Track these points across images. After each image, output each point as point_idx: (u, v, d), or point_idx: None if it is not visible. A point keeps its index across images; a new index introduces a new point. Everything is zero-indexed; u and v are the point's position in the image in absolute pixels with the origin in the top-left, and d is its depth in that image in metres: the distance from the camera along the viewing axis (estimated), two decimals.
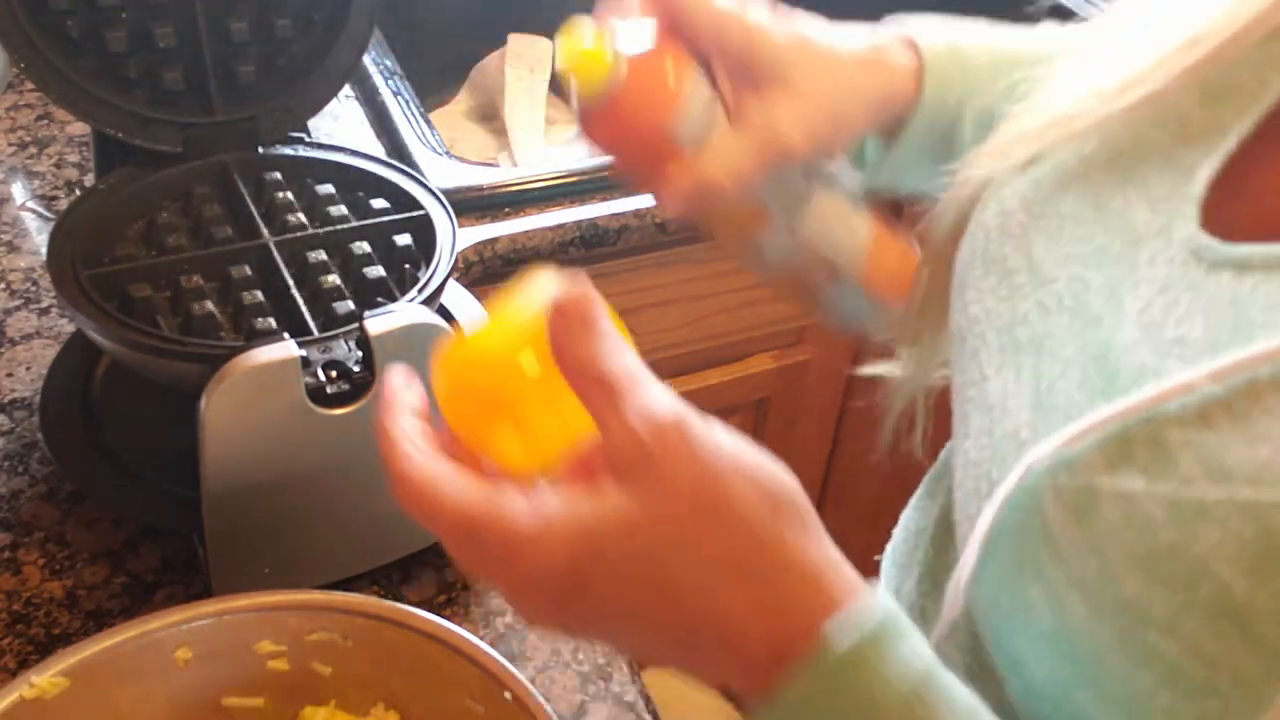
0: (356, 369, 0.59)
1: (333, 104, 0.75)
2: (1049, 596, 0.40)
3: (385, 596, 0.64)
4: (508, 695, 0.51)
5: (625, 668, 0.64)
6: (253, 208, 0.68)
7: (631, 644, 0.41)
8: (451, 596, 0.67)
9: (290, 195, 0.69)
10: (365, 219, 0.69)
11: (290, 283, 0.63)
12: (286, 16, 0.69)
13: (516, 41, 1.33)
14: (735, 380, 1.19)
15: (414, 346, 0.60)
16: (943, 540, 0.56)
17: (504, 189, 0.98)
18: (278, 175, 0.71)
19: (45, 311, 0.83)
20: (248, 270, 0.64)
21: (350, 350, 0.60)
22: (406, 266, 0.67)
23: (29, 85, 1.07)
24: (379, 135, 1.05)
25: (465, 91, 1.38)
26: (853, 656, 0.36)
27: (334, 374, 0.59)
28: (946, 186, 0.52)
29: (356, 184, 0.72)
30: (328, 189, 0.70)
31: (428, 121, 1.06)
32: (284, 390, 0.58)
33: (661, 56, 0.54)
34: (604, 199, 0.99)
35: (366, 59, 1.11)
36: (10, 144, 1.01)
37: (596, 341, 0.39)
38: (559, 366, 0.40)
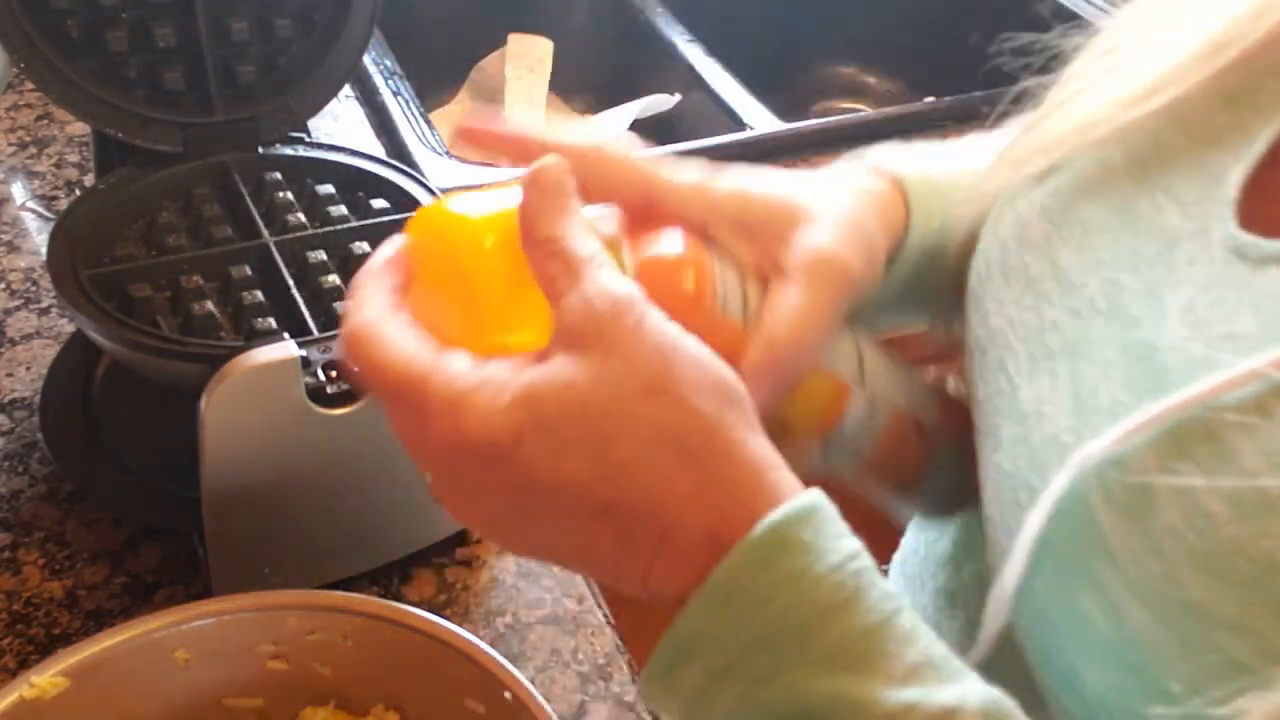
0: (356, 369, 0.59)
1: (333, 104, 0.75)
2: (1105, 605, 0.38)
3: (385, 596, 0.64)
4: (508, 695, 0.51)
5: (625, 668, 0.64)
6: (253, 208, 0.68)
7: (553, 530, 0.38)
8: (451, 596, 0.67)
9: (290, 195, 0.69)
10: (365, 219, 0.69)
11: (290, 283, 0.63)
12: (286, 17, 0.69)
13: (516, 41, 1.33)
14: None
15: None
16: (963, 557, 0.56)
17: (504, 189, 0.98)
18: (278, 175, 0.71)
19: (45, 311, 0.83)
20: (248, 270, 0.64)
21: None
22: None
23: (29, 85, 1.07)
24: (379, 135, 1.05)
25: (465, 91, 1.38)
26: (781, 533, 0.36)
27: (334, 374, 0.59)
28: (960, 203, 0.51)
29: (356, 184, 0.72)
30: (328, 189, 0.70)
31: (428, 121, 1.06)
32: (284, 390, 0.58)
33: (659, 261, 0.44)
34: None
35: (366, 59, 1.11)
36: (10, 144, 1.01)
37: (564, 220, 0.39)
38: (523, 237, 0.39)
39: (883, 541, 0.64)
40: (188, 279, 0.63)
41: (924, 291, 0.54)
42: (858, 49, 1.53)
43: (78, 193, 0.94)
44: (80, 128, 1.02)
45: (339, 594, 0.55)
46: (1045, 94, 0.51)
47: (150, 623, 0.52)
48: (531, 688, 0.51)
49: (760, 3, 1.49)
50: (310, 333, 0.60)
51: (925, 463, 0.52)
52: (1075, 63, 0.50)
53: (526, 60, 1.33)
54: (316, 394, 0.58)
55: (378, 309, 0.40)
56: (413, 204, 0.70)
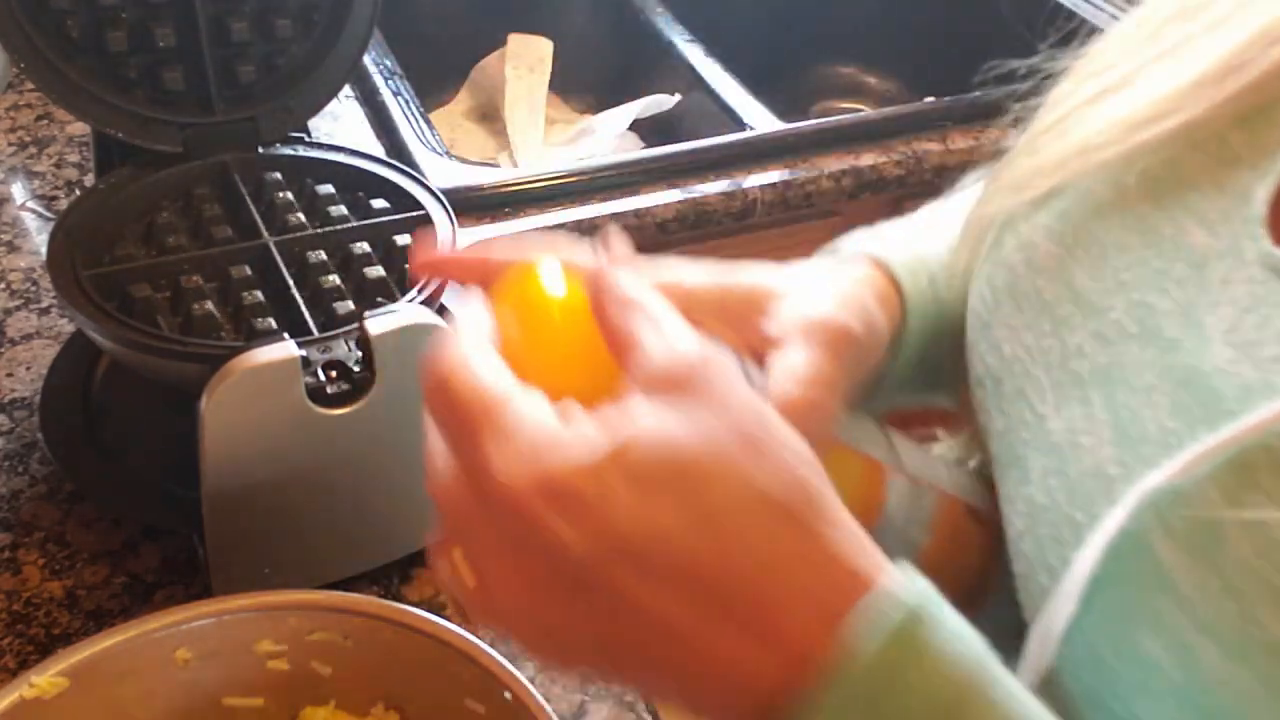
0: (356, 369, 0.59)
1: (333, 104, 0.75)
2: (1172, 647, 0.36)
3: (385, 596, 0.64)
4: (508, 695, 0.51)
5: None
6: (253, 208, 0.68)
7: (625, 607, 0.32)
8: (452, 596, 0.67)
9: (290, 195, 0.69)
10: (365, 219, 0.69)
11: (290, 283, 0.63)
12: (286, 17, 0.69)
13: (516, 41, 1.33)
14: None
15: (414, 346, 0.60)
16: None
17: (504, 189, 0.98)
18: (278, 175, 0.71)
19: (45, 311, 0.83)
20: (248, 270, 0.64)
21: (350, 350, 0.60)
22: (406, 266, 0.67)
23: (29, 85, 1.07)
24: (379, 135, 1.05)
25: (465, 91, 1.38)
26: (905, 635, 0.32)
27: (334, 374, 0.59)
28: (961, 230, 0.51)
29: (356, 184, 0.72)
30: (328, 189, 0.70)
31: (428, 121, 1.06)
32: (284, 390, 0.58)
33: None
34: (604, 199, 0.99)
35: (366, 59, 1.11)
36: (10, 144, 1.01)
37: (638, 278, 0.37)
38: (599, 291, 0.37)
39: None
40: (188, 279, 0.63)
41: (935, 367, 0.52)
42: (858, 49, 1.53)
43: (78, 193, 0.94)
44: (80, 128, 1.02)
45: (339, 594, 0.55)
46: (1033, 116, 0.50)
47: (150, 623, 0.52)
48: (531, 688, 0.51)
49: (760, 3, 1.49)
50: (310, 333, 0.60)
51: (993, 563, 0.47)
52: (1063, 84, 0.49)
53: (526, 60, 1.33)
54: (316, 394, 0.58)
55: (473, 340, 0.37)
56: (413, 204, 0.70)
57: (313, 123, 0.75)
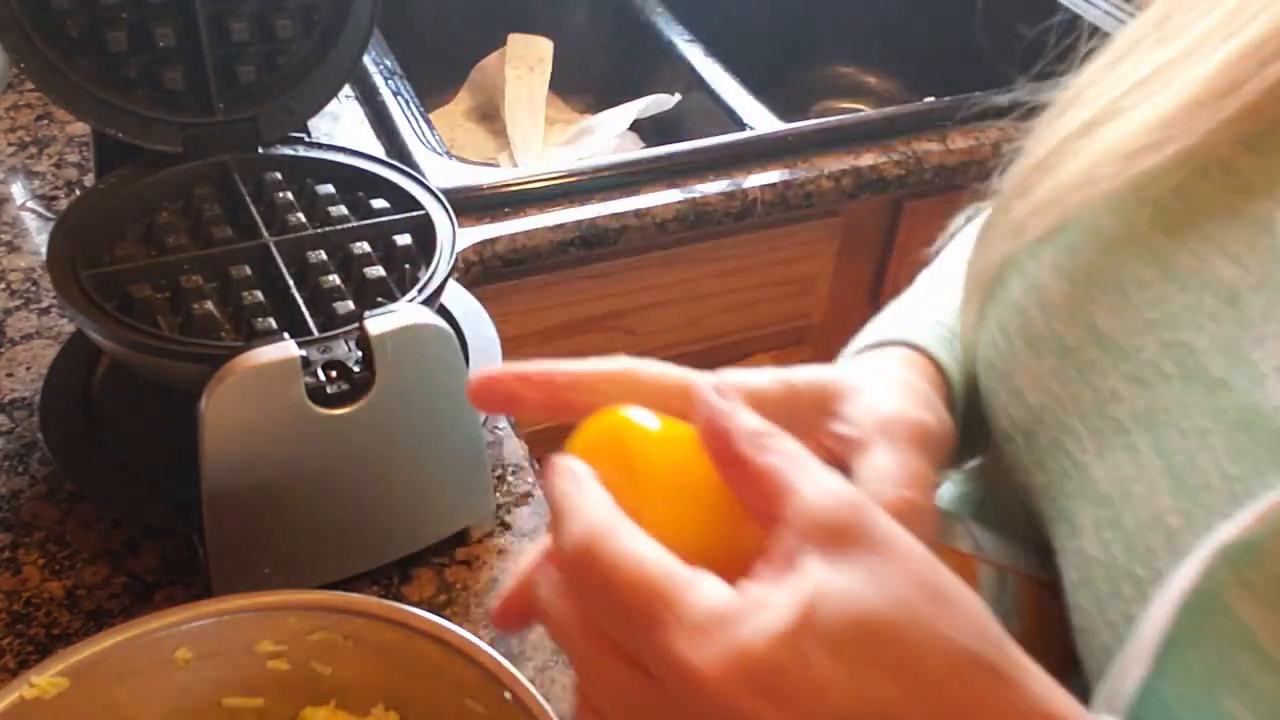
0: (356, 369, 0.59)
1: (333, 104, 0.75)
2: (1258, 706, 0.34)
3: (385, 596, 0.64)
4: (508, 695, 0.51)
5: None
6: (253, 208, 0.68)
7: None
8: (451, 596, 0.67)
9: (290, 195, 0.69)
10: (365, 219, 0.69)
11: (290, 283, 0.63)
12: (286, 16, 0.69)
13: (516, 41, 1.33)
14: None
15: (414, 346, 0.60)
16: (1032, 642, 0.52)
17: (504, 189, 0.98)
18: (278, 175, 0.71)
19: (45, 311, 0.83)
20: (248, 270, 0.64)
21: (350, 350, 0.60)
22: (406, 266, 0.67)
23: (29, 85, 1.07)
24: (379, 135, 1.05)
25: (465, 91, 1.38)
26: None
27: (334, 374, 0.59)
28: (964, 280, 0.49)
29: (356, 184, 0.72)
30: (328, 189, 0.70)
31: (428, 121, 1.06)
32: (284, 390, 0.58)
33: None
34: (604, 199, 0.99)
35: (366, 59, 1.11)
36: (10, 144, 1.01)
37: (755, 416, 0.35)
38: (722, 435, 0.34)
39: None
40: (188, 279, 0.63)
41: (972, 430, 0.51)
42: (858, 49, 1.53)
43: (78, 193, 0.94)
44: (80, 128, 1.02)
45: (339, 594, 0.55)
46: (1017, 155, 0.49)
47: (150, 623, 0.52)
48: (531, 688, 0.51)
49: (760, 2, 1.49)
50: (310, 333, 0.60)
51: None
52: (1045, 116, 0.48)
53: (526, 60, 1.33)
54: (316, 394, 0.58)
55: (605, 512, 0.33)
56: (413, 204, 0.70)
57: (313, 123, 0.75)
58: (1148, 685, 0.37)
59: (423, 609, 0.54)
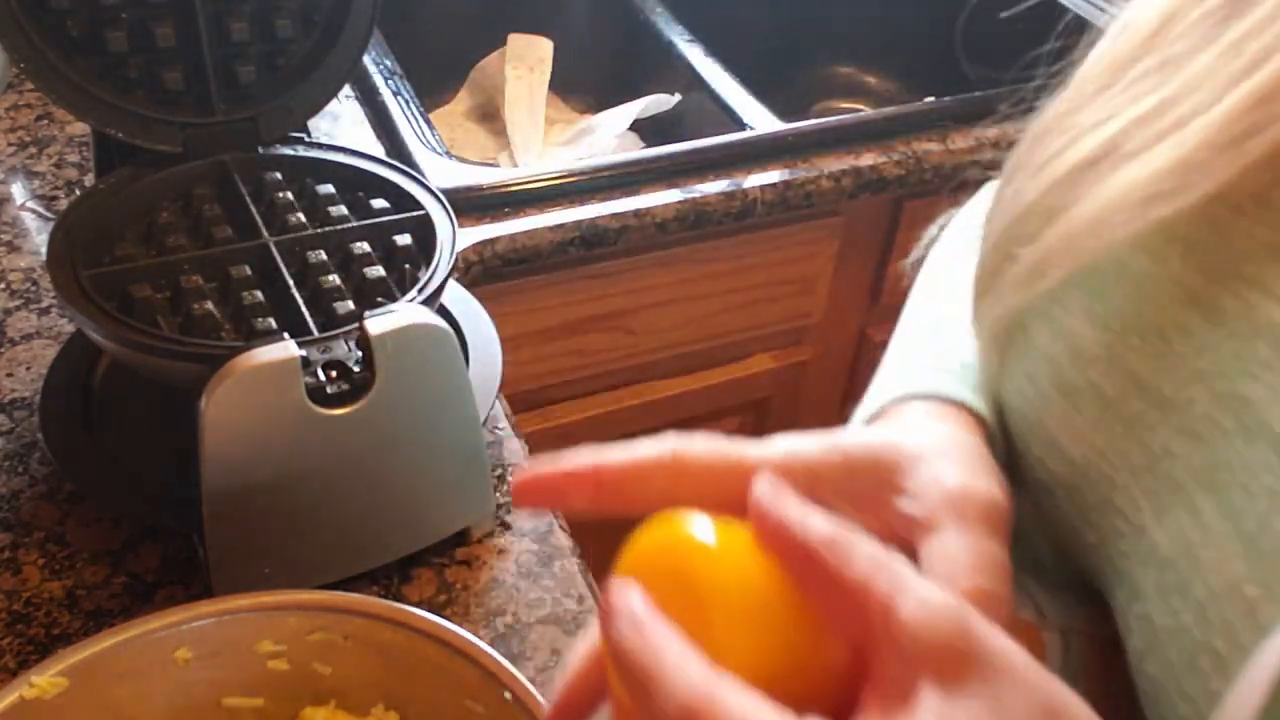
0: (356, 369, 0.59)
1: (333, 104, 0.75)
2: None
3: (385, 596, 0.64)
4: (508, 695, 0.51)
5: None
6: (253, 208, 0.68)
7: None
8: (451, 596, 0.67)
9: (290, 195, 0.69)
10: (365, 219, 0.69)
11: (290, 283, 0.63)
12: (286, 16, 0.69)
13: (516, 41, 1.33)
14: (735, 380, 1.18)
15: (414, 347, 0.60)
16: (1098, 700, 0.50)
17: (504, 189, 0.98)
18: (278, 175, 0.71)
19: (45, 311, 0.83)
20: (248, 270, 0.64)
21: (350, 350, 0.60)
22: (406, 266, 0.67)
23: (29, 85, 1.07)
24: (379, 135, 1.05)
25: (465, 91, 1.38)
26: None
27: (334, 374, 0.59)
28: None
29: (356, 184, 0.72)
30: (328, 189, 0.70)
31: (428, 121, 1.06)
32: (284, 390, 0.58)
33: None
34: (604, 199, 0.99)
35: (366, 59, 1.11)
36: (10, 144, 1.01)
37: (823, 517, 0.32)
38: (803, 557, 0.32)
39: None
40: (188, 279, 0.63)
41: (1009, 478, 0.48)
42: (858, 49, 1.53)
43: (78, 193, 0.94)
44: (80, 128, 1.02)
45: (339, 594, 0.55)
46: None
47: (150, 623, 0.52)
48: (531, 688, 0.51)
49: (760, 3, 1.49)
50: (310, 333, 0.60)
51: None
52: (1020, 149, 0.45)
53: (526, 60, 1.33)
54: (316, 394, 0.58)
55: (699, 674, 0.30)
56: (413, 204, 0.70)
57: (313, 123, 0.75)
58: None
59: (423, 609, 0.54)
